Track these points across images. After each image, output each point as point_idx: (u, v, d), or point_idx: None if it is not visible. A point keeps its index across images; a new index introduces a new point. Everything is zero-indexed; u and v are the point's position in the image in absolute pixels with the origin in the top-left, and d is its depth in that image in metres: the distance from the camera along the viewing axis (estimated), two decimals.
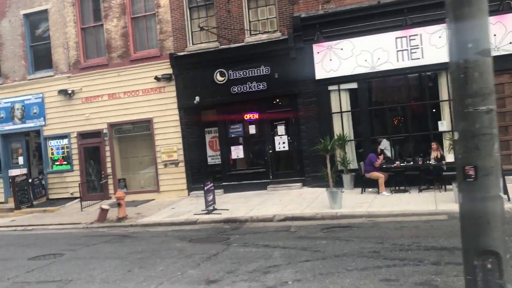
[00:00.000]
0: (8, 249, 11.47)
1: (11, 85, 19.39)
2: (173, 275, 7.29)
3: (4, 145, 19.78)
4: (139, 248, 9.80)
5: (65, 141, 18.84)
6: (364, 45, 14.86)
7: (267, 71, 16.05)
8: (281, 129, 16.35)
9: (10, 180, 18.75)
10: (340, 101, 15.43)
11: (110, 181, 18.19)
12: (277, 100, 16.55)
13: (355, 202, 12.64)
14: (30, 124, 19.22)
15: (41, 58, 19.26)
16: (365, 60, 14.89)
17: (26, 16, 19.21)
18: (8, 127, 19.50)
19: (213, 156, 17.49)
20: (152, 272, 7.57)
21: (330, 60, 15.21)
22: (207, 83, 16.75)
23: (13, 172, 19.25)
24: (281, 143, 16.32)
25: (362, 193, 13.97)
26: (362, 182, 14.16)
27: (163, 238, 10.89)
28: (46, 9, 18.90)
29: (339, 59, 15.12)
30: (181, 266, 7.79)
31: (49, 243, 11.77)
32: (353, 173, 14.88)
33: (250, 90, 16.27)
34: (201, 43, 17.08)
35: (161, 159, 17.56)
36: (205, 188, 13.56)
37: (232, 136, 17.03)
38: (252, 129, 16.80)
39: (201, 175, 16.93)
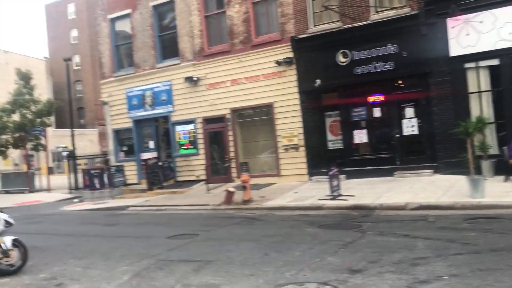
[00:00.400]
0: (147, 227, 12.23)
1: (142, 74, 20.70)
2: (312, 261, 7.08)
3: (137, 130, 21.27)
4: (271, 232, 9.78)
5: (191, 126, 19.68)
6: (508, 16, 13.29)
7: (394, 50, 15.12)
8: (409, 111, 15.34)
9: (143, 163, 20.15)
10: (478, 80, 14.03)
11: (233, 164, 18.66)
12: (405, 81, 15.54)
13: (498, 191, 11.41)
14: (159, 110, 20.40)
15: (168, 47, 20.27)
16: (510, 33, 13.30)
17: (155, 7, 20.30)
18: (140, 113, 20.90)
19: (333, 141, 17.02)
20: (289, 257, 7.44)
21: (467, 35, 13.84)
22: (329, 65, 16.29)
23: (145, 155, 20.61)
24: (410, 126, 15.32)
25: (505, 181, 12.58)
26: (505, 169, 12.75)
27: (291, 222, 10.78)
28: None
29: (477, 33, 13.70)
30: (318, 253, 7.56)
31: (182, 222, 12.33)
32: (493, 159, 13.47)
33: (375, 70, 15.48)
34: (323, 24, 16.61)
35: (281, 143, 17.55)
36: (330, 173, 13.21)
37: (355, 119, 16.41)
38: (376, 112, 16.01)
39: (321, 160, 16.60)
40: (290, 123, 17.29)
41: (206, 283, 6.45)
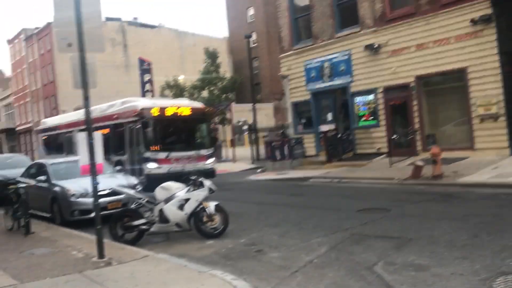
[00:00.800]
0: (333, 199, 12.09)
1: (320, 45, 20.47)
2: None
3: (315, 103, 21.26)
4: (474, 211, 8.73)
5: (371, 96, 18.88)
6: None
7: None
8: None
9: (321, 135, 20.13)
10: None
11: (417, 136, 17.39)
12: None
13: None
14: (337, 82, 20.01)
15: (347, 15, 19.57)
16: None
17: None
18: (318, 85, 20.81)
19: None
20: (508, 241, 6.45)
21: None
22: None
23: (323, 127, 20.52)
24: None
25: None
26: None
27: (498, 202, 9.51)
28: None
29: None
30: None
31: (368, 196, 11.88)
32: None
33: None
34: None
35: (476, 113, 15.67)
36: None
37: None
38: None
39: None
40: (487, 89, 15.27)
41: (412, 263, 5.94)
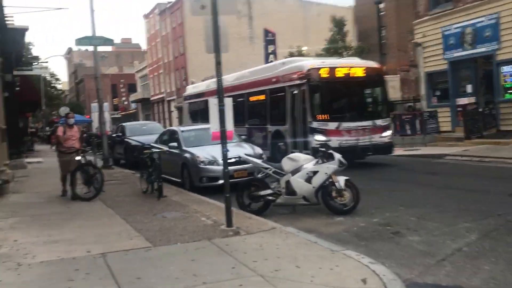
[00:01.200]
0: (476, 180, 10.72)
1: (462, 8, 18.38)
2: None
3: (453, 73, 19.30)
4: None
5: None
6: None
7: None
8: None
9: (459, 109, 18.26)
10: None
11: None
12: None
13: None
14: (481, 49, 17.86)
15: None
16: None
17: None
18: (458, 53, 18.79)
19: None
20: None
21: None
22: None
23: (461, 100, 18.60)
24: None
25: None
26: None
27: None
28: None
29: None
30: None
31: None
32: None
33: None
34: None
35: None
36: None
37: None
38: None
39: None
40: None
41: None
